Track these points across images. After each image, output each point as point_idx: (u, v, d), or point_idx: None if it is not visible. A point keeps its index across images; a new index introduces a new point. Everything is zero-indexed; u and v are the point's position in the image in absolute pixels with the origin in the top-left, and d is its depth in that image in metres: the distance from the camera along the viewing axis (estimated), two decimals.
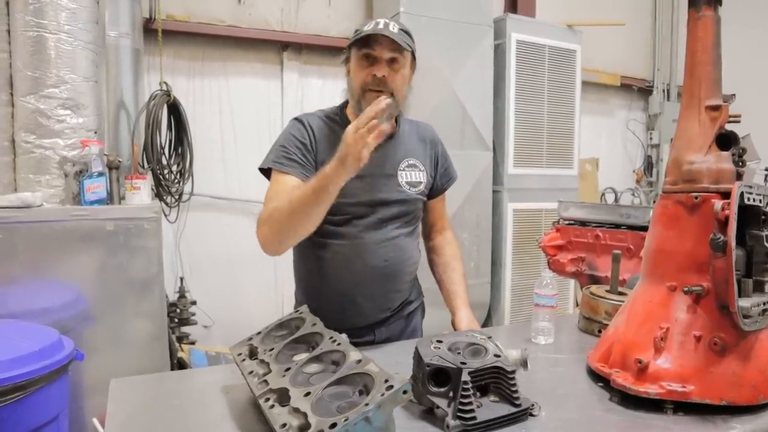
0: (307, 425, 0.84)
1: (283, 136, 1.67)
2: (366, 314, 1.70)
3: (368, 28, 1.58)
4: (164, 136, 3.36)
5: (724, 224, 1.13)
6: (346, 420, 0.80)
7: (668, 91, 6.07)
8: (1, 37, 2.43)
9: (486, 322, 4.44)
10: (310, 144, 1.63)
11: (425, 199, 1.80)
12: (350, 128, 1.31)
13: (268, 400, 0.98)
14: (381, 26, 1.57)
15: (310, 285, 1.77)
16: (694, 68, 1.28)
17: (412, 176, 1.73)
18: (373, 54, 1.57)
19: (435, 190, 1.85)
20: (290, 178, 1.57)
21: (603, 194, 5.65)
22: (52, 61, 2.43)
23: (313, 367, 1.04)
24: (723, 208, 1.13)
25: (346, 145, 1.30)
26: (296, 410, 0.88)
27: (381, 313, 1.73)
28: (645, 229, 2.32)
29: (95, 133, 2.57)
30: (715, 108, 1.24)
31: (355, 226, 1.65)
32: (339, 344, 1.07)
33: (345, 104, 1.76)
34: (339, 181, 1.36)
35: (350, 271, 1.67)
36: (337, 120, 1.71)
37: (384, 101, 1.30)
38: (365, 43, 1.57)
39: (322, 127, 1.68)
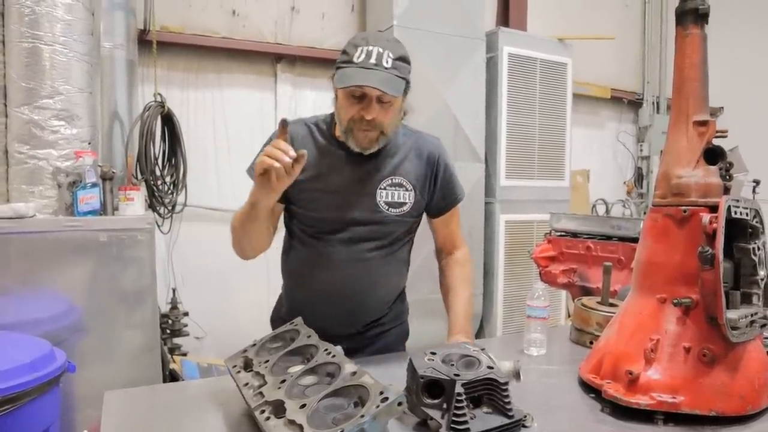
0: None
1: (265, 144, 1.65)
2: (327, 326, 1.61)
3: (359, 59, 1.46)
4: (158, 147, 3.37)
5: (712, 237, 1.15)
6: (341, 431, 0.81)
7: (657, 103, 6.15)
8: None
9: (478, 333, 4.45)
10: None
11: (411, 219, 1.70)
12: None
13: (263, 412, 0.98)
14: (373, 60, 1.45)
15: (285, 282, 1.81)
16: (682, 85, 1.30)
17: (395, 196, 1.63)
18: (362, 92, 1.47)
19: (434, 209, 1.75)
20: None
21: (594, 206, 5.70)
22: (47, 72, 2.45)
23: (309, 379, 1.04)
24: (711, 222, 1.15)
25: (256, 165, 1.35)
26: (292, 422, 0.89)
27: (343, 329, 1.67)
28: (636, 240, 2.34)
29: (89, 143, 2.58)
30: (703, 123, 1.27)
31: (324, 241, 1.63)
32: (334, 356, 1.08)
33: (333, 116, 1.69)
34: (260, 199, 1.42)
35: (314, 281, 1.66)
36: (323, 130, 1.67)
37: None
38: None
39: (305, 134, 1.66)
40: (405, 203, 1.65)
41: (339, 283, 1.64)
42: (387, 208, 1.62)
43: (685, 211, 1.24)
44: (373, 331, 1.76)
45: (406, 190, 1.65)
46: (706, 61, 1.30)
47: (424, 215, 1.78)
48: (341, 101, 1.54)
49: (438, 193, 1.72)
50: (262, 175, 1.33)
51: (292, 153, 1.30)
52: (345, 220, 1.61)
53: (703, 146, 1.27)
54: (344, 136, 1.57)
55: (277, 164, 1.29)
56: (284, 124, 1.35)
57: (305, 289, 1.70)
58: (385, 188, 1.62)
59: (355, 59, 1.47)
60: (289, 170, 1.31)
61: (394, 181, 1.64)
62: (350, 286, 1.65)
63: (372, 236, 1.63)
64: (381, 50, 1.46)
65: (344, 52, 1.51)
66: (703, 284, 1.16)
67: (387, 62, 1.46)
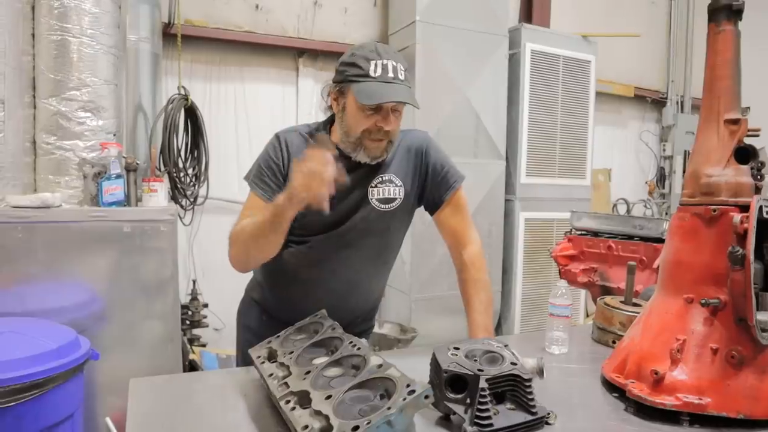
0: (329, 427, 0.85)
1: (262, 154, 1.67)
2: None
3: (375, 73, 1.46)
4: (181, 140, 3.40)
5: (742, 237, 1.13)
6: (368, 423, 0.81)
7: (682, 103, 6.06)
8: (25, 40, 2.48)
9: (496, 331, 4.43)
10: (282, 164, 1.62)
11: (402, 215, 1.70)
12: (300, 168, 1.31)
13: (288, 402, 0.99)
14: (390, 74, 1.46)
15: (265, 274, 1.77)
16: (713, 83, 1.28)
17: (385, 192, 1.63)
18: (380, 105, 1.48)
19: (431, 201, 1.72)
20: (258, 201, 1.59)
21: (615, 205, 5.64)
22: (74, 64, 2.48)
23: (333, 371, 1.05)
24: (742, 222, 1.13)
25: (293, 186, 1.32)
26: (318, 413, 0.90)
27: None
28: (658, 240, 2.34)
29: (114, 135, 2.61)
30: (734, 122, 1.25)
31: (313, 242, 1.63)
32: (359, 349, 1.08)
33: (329, 122, 1.69)
34: (289, 213, 1.39)
35: (303, 281, 1.66)
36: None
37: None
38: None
39: (300, 143, 1.64)
40: (395, 199, 1.65)
41: (328, 282, 1.66)
42: (378, 204, 1.63)
43: (714, 211, 1.22)
44: (359, 328, 1.78)
45: (396, 186, 1.65)
46: (739, 58, 1.28)
47: (429, 217, 1.77)
48: (354, 114, 1.52)
49: (430, 183, 1.71)
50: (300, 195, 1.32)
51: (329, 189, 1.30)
52: (338, 220, 1.61)
53: (734, 145, 1.25)
54: (352, 147, 1.56)
55: (324, 194, 1.29)
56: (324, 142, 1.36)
57: (291, 289, 1.69)
58: (376, 186, 1.63)
59: (371, 73, 1.46)
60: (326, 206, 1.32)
61: (384, 178, 1.64)
62: (339, 285, 1.67)
63: (363, 234, 1.64)
64: (395, 63, 1.48)
65: (354, 64, 1.50)
66: (733, 285, 1.14)
67: (401, 75, 1.49)
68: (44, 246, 2.34)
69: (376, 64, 1.46)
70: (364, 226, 1.63)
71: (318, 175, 1.28)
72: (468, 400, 1.08)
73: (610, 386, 1.33)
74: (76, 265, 2.40)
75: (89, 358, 2.04)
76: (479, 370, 1.09)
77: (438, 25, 3.87)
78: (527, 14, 4.91)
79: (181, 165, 3.36)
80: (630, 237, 2.46)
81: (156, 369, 2.46)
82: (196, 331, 3.67)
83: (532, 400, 1.10)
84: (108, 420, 2.29)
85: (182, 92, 3.36)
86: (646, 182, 6.10)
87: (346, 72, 1.51)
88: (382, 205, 1.63)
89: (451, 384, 1.09)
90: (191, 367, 3.12)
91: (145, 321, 2.55)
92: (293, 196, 1.32)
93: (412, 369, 1.20)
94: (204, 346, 3.66)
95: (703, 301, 1.19)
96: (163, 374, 1.52)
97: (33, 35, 2.50)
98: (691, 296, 1.24)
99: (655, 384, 1.18)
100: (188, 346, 3.29)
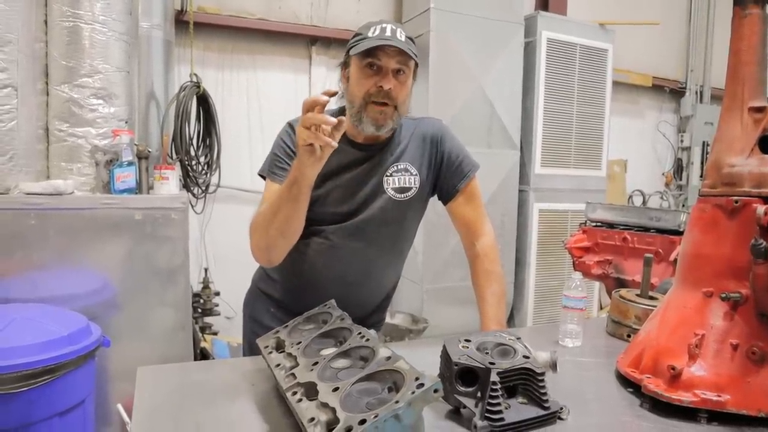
0: (336, 420, 0.83)
1: (275, 143, 1.65)
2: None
3: (373, 34, 1.47)
4: (193, 128, 3.40)
5: (766, 230, 1.09)
6: (375, 417, 0.79)
7: (701, 93, 5.94)
8: (38, 26, 2.47)
9: (508, 323, 4.41)
10: (296, 151, 1.57)
11: (417, 204, 1.67)
12: (300, 123, 1.28)
13: (295, 393, 0.97)
14: (388, 33, 1.46)
15: (277, 274, 1.75)
16: (738, 68, 1.24)
17: (401, 181, 1.61)
18: (379, 64, 1.47)
19: (446, 191, 1.70)
20: (275, 187, 1.55)
21: (631, 196, 5.56)
22: (86, 51, 2.47)
23: (341, 362, 1.03)
24: (766, 213, 1.09)
25: (299, 138, 1.29)
26: (324, 405, 0.88)
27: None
28: (675, 233, 2.29)
29: (126, 122, 2.61)
30: (759, 110, 1.20)
31: (329, 231, 1.60)
32: (368, 340, 1.06)
33: (340, 112, 1.64)
34: (305, 171, 1.34)
35: (312, 267, 1.63)
36: None
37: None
38: (370, 51, 1.46)
39: None
40: (411, 188, 1.63)
41: (341, 273, 1.63)
42: (394, 193, 1.61)
43: (737, 202, 1.18)
44: (371, 320, 1.76)
45: (412, 174, 1.63)
46: (766, 43, 1.23)
47: (442, 207, 1.74)
48: (356, 76, 1.51)
49: (445, 172, 1.68)
50: (308, 145, 1.28)
51: (327, 127, 1.26)
52: (353, 210, 1.59)
53: (758, 134, 1.20)
54: (356, 117, 1.53)
55: (322, 142, 1.26)
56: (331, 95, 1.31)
57: (302, 280, 1.67)
58: (391, 174, 1.61)
59: (369, 34, 1.48)
60: (330, 141, 1.28)
61: (399, 167, 1.62)
62: (353, 276, 1.64)
63: (379, 223, 1.61)
64: (394, 27, 1.49)
65: (356, 35, 1.53)
66: (755, 279, 1.10)
67: (401, 36, 1.48)
68: (56, 233, 2.35)
69: (374, 28, 1.49)
70: (379, 216, 1.61)
71: (317, 120, 1.25)
72: (479, 394, 1.06)
73: (625, 381, 1.30)
74: (88, 253, 2.41)
75: (100, 344, 2.05)
76: (490, 363, 1.06)
77: (452, 13, 3.81)
78: (543, 1, 4.83)
79: (193, 153, 3.36)
80: (646, 229, 2.42)
81: (167, 356, 2.47)
82: (207, 319, 3.69)
83: (545, 394, 1.07)
84: (119, 406, 2.31)
85: (194, 80, 3.35)
86: (662, 174, 6.01)
87: (349, 44, 1.53)
88: (398, 195, 1.61)
89: (461, 377, 1.07)
90: (202, 355, 3.13)
91: (157, 309, 2.56)
92: (302, 152, 1.29)
93: (422, 360, 1.18)
94: (215, 334, 3.67)
95: (724, 296, 1.16)
96: (174, 362, 1.51)
97: (45, 22, 2.50)
98: (710, 290, 1.20)
99: (672, 380, 1.15)
100: (199, 334, 3.31)
